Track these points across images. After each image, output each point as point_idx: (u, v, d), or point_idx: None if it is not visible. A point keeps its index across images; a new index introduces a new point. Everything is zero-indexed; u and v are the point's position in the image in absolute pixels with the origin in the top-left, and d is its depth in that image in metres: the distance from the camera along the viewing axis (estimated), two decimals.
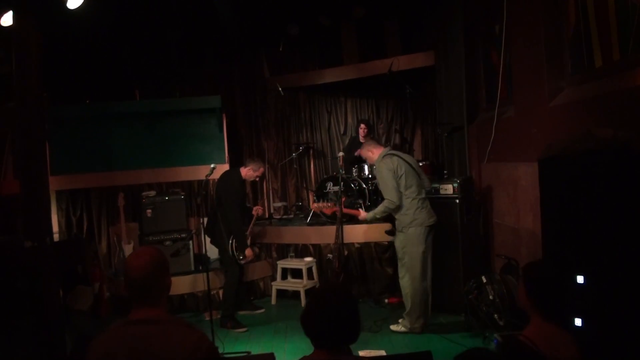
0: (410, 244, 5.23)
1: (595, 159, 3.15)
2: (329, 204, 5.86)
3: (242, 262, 6.06)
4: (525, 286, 2.49)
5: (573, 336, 2.46)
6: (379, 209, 5.33)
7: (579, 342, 2.44)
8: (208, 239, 6.59)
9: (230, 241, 5.95)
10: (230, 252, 5.96)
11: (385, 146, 5.77)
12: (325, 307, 2.23)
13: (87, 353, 2.13)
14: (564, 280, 2.52)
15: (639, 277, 2.86)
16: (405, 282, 5.30)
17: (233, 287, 6.02)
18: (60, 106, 7.24)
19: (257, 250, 7.26)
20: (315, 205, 6.02)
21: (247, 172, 6.12)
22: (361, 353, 4.70)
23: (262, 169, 6.26)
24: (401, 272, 5.36)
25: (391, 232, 5.66)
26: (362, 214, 5.62)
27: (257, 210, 6.40)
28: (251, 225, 6.35)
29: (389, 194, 5.22)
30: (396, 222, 5.36)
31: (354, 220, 6.95)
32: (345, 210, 5.84)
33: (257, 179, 6.52)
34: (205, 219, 6.24)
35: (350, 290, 2.35)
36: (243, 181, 6.18)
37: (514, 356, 2.35)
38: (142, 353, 2.06)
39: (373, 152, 5.55)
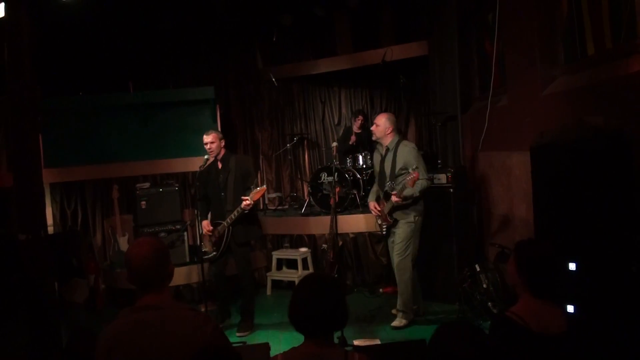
0: (416, 235, 5.17)
1: (587, 147, 3.18)
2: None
3: (206, 257, 5.54)
4: (516, 263, 2.49)
5: (562, 310, 2.49)
6: (418, 188, 4.90)
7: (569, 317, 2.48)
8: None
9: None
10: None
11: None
12: (307, 298, 2.23)
13: (97, 341, 2.18)
14: (557, 261, 2.53)
15: (630, 264, 2.88)
16: (405, 272, 5.17)
17: (213, 284, 5.82)
18: (54, 98, 7.20)
19: (253, 243, 7.23)
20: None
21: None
22: (356, 342, 4.73)
23: (205, 137, 5.65)
24: (402, 264, 5.15)
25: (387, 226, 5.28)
26: (395, 198, 4.94)
27: (244, 201, 5.24)
28: (231, 216, 5.36)
29: (426, 174, 5.03)
30: (406, 210, 5.09)
31: (347, 210, 6.97)
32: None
33: (210, 148, 5.62)
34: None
35: (333, 277, 2.31)
36: (204, 165, 5.58)
37: (502, 332, 2.37)
38: (149, 337, 2.12)
39: (388, 132, 5.20)
